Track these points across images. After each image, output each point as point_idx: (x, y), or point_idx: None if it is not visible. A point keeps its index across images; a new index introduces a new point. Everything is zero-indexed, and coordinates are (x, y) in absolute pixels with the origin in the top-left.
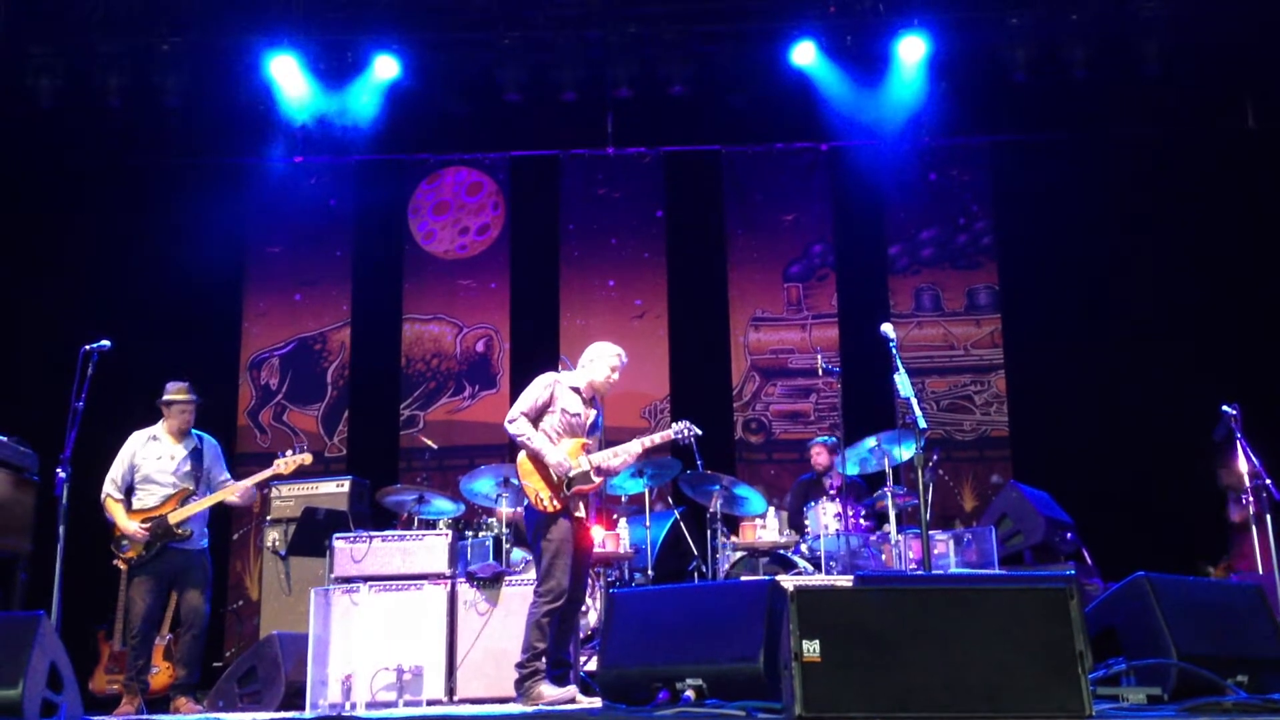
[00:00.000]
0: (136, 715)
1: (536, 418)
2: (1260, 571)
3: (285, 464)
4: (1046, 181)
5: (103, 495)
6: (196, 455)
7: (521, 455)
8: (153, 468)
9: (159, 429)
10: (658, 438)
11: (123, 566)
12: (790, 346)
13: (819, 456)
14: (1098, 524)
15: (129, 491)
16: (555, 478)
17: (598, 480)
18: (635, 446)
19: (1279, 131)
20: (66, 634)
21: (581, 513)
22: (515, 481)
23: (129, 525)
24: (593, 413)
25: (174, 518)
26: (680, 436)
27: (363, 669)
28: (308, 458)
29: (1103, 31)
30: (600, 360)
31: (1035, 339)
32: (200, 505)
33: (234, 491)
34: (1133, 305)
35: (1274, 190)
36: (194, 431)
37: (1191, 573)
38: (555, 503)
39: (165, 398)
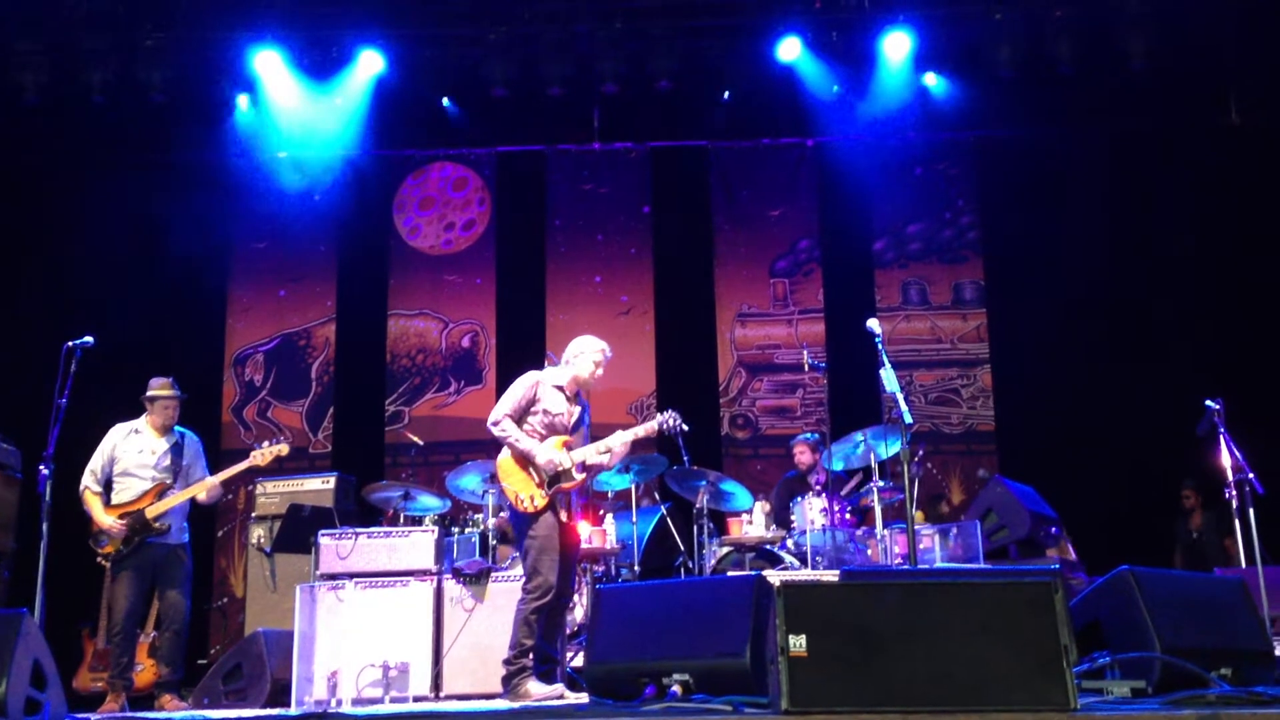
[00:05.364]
0: (121, 713)
1: (520, 418)
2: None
3: (262, 455)
4: (1032, 176)
5: (81, 487)
6: (177, 450)
7: (502, 456)
8: (133, 461)
9: (141, 422)
10: (641, 430)
11: (106, 565)
12: (777, 342)
13: (802, 455)
14: (1083, 518)
15: (107, 485)
16: (540, 476)
17: (580, 477)
18: (619, 440)
19: (1262, 127)
20: (50, 632)
21: (564, 514)
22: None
23: (105, 520)
24: (576, 409)
25: (151, 512)
26: (665, 427)
27: (348, 665)
28: (284, 448)
29: (1088, 27)
30: (584, 356)
31: (1020, 333)
32: (176, 499)
33: (203, 489)
34: (1117, 300)
35: (1257, 185)
36: (177, 428)
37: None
38: (536, 502)
39: (149, 393)
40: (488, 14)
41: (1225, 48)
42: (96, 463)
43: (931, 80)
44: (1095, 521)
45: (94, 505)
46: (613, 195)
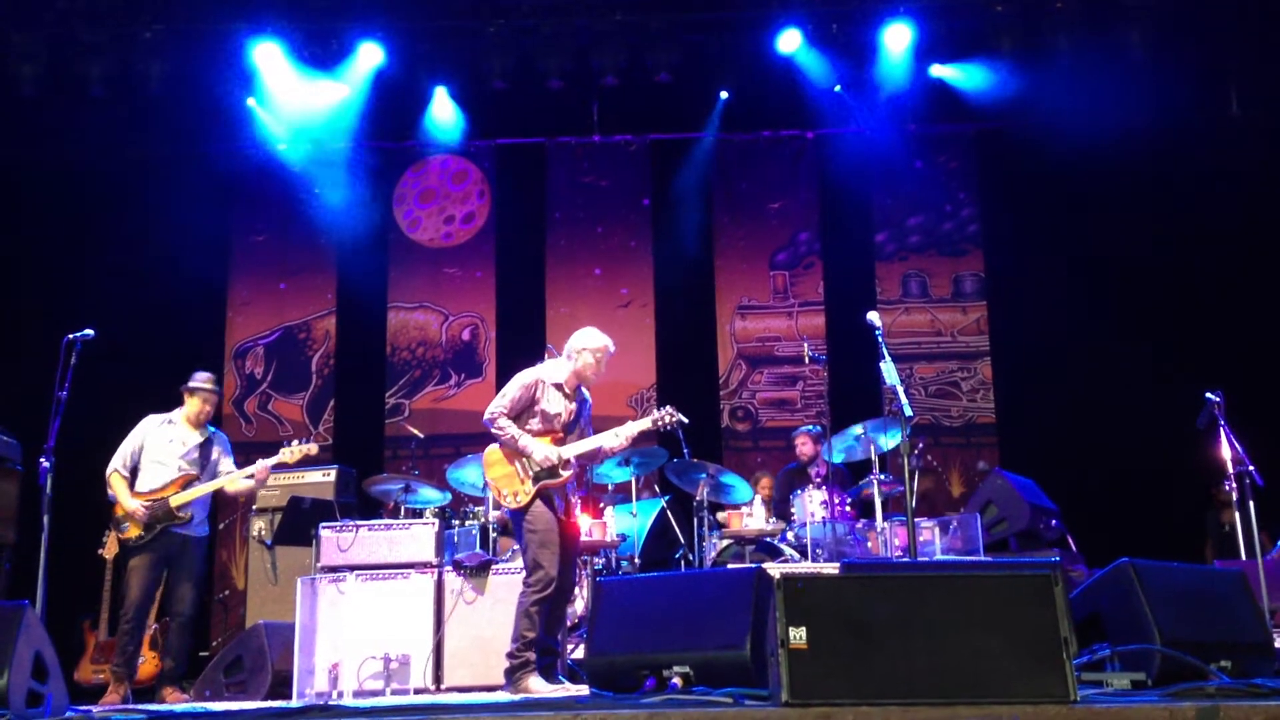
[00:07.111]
0: (123, 704)
1: (516, 417)
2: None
3: (291, 453)
4: (1032, 169)
5: (109, 471)
6: (207, 445)
7: (488, 450)
8: (163, 451)
9: (176, 414)
10: (633, 428)
11: (108, 557)
12: (777, 334)
13: (804, 446)
14: (1082, 511)
15: (134, 472)
16: (529, 471)
17: (566, 475)
18: (628, 431)
19: (1262, 118)
20: (52, 624)
21: (554, 507)
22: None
23: (130, 503)
24: (574, 407)
25: (175, 500)
26: (661, 424)
27: (349, 658)
28: (313, 448)
29: (1087, 19)
30: (586, 353)
31: (1020, 326)
32: (202, 490)
33: (246, 473)
34: (1118, 292)
35: (1257, 176)
36: (209, 425)
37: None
38: (520, 498)
39: (191, 384)
40: (488, 6)
41: (1225, 39)
42: (126, 448)
43: (932, 72)
44: (1095, 514)
45: (120, 488)
46: (613, 188)
